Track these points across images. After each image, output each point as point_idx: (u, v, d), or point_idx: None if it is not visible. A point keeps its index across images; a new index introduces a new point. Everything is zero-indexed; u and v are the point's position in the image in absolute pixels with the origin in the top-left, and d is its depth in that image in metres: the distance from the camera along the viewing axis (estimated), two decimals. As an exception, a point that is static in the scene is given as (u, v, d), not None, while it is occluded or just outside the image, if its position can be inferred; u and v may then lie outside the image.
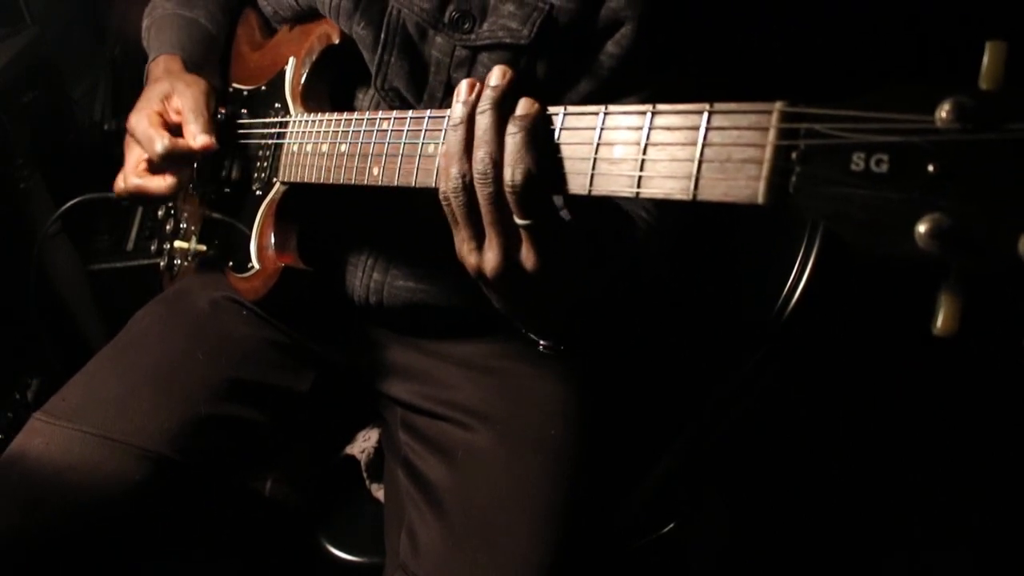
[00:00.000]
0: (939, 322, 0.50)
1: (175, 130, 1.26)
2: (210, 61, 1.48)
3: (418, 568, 1.18)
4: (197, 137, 1.23)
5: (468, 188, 0.84)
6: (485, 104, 0.82)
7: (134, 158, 1.29)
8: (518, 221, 0.82)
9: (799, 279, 1.34)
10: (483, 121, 0.82)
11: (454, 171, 0.84)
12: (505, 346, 1.38)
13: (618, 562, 1.45)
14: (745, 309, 1.46)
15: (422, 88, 1.21)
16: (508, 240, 0.84)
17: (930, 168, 0.50)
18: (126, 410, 1.21)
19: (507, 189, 0.80)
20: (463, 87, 0.85)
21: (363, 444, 1.54)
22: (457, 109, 0.84)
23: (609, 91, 1.16)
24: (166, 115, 1.28)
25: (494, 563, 1.14)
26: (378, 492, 1.50)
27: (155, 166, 1.26)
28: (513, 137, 0.80)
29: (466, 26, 1.15)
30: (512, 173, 0.80)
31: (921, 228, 0.49)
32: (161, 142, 1.21)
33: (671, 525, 1.50)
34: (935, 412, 2.08)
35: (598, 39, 1.13)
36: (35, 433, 1.20)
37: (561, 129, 0.79)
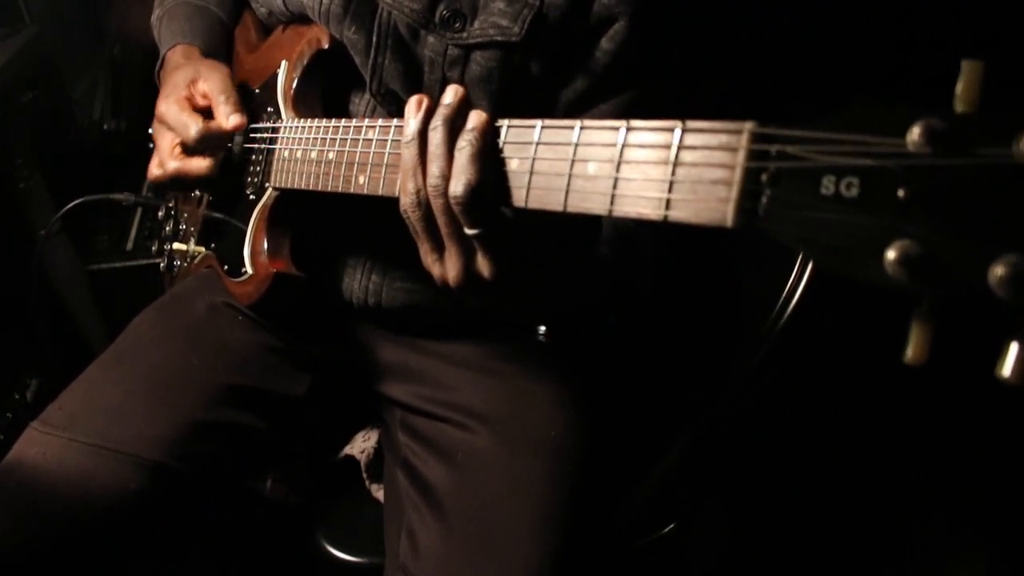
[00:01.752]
0: (910, 351, 0.49)
1: (205, 113, 1.28)
2: (222, 48, 1.49)
3: (418, 570, 1.18)
4: (230, 117, 1.25)
5: (423, 202, 0.88)
6: (437, 121, 0.86)
7: (167, 143, 1.30)
8: (467, 231, 0.85)
9: (799, 279, 1.33)
10: (435, 137, 0.86)
11: (410, 186, 0.88)
12: (505, 347, 1.38)
13: (618, 562, 1.44)
14: (745, 310, 1.45)
15: (418, 88, 1.20)
16: (464, 250, 0.88)
17: (900, 193, 0.48)
18: (122, 418, 1.21)
19: (451, 201, 0.84)
20: (411, 103, 0.89)
21: (363, 445, 1.54)
22: (410, 125, 0.88)
23: (604, 87, 1.15)
24: (193, 100, 1.30)
25: (494, 564, 1.14)
26: (378, 492, 1.51)
27: (190, 149, 1.28)
28: (461, 152, 0.83)
29: (457, 25, 1.14)
30: (455, 186, 0.83)
31: (890, 255, 0.48)
32: (196, 126, 1.24)
33: (671, 525, 1.50)
34: (935, 411, 2.07)
35: (592, 35, 1.12)
36: (31, 443, 1.20)
37: (537, 144, 0.79)
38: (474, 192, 0.82)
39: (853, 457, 2.13)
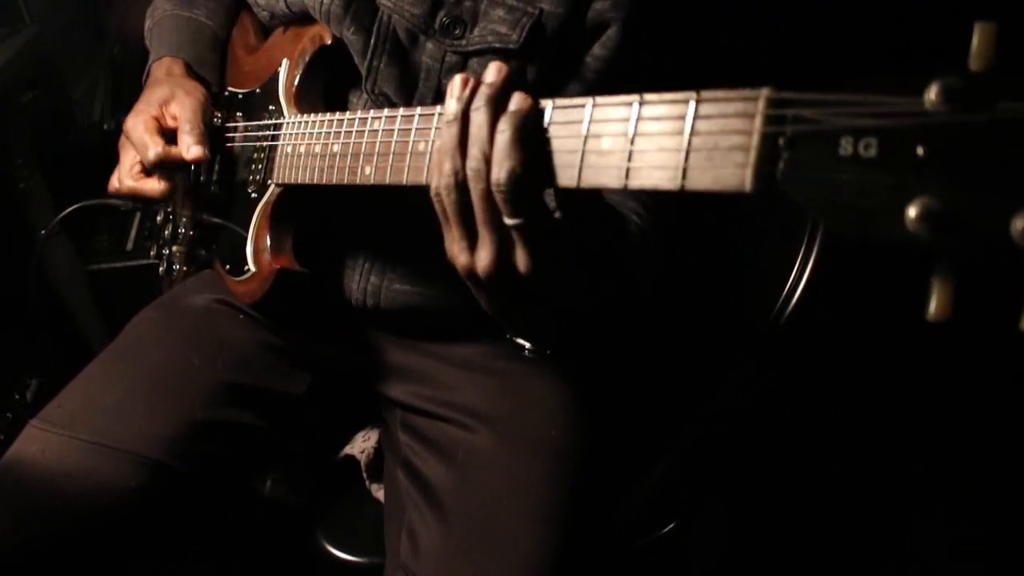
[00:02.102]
0: (932, 307, 0.49)
1: (170, 135, 1.28)
2: (210, 58, 1.48)
3: (419, 569, 1.18)
4: (191, 148, 1.25)
5: (461, 186, 0.83)
6: (480, 101, 0.81)
7: (128, 160, 1.32)
8: (508, 221, 0.80)
9: (799, 280, 1.33)
10: (478, 118, 0.81)
11: (447, 167, 0.83)
12: (505, 347, 1.37)
13: (618, 562, 1.44)
14: (745, 310, 1.45)
15: (412, 94, 1.21)
16: (501, 240, 0.83)
17: (919, 151, 0.48)
18: (121, 417, 1.21)
19: (494, 188, 0.79)
20: (457, 82, 0.84)
21: (363, 444, 1.54)
22: (451, 105, 0.83)
23: (595, 93, 1.15)
24: (163, 120, 1.30)
25: (495, 564, 1.14)
26: (378, 492, 1.50)
27: (148, 170, 1.29)
28: (503, 135, 0.79)
29: (457, 32, 1.14)
30: (498, 172, 0.78)
31: (911, 212, 0.48)
32: (154, 150, 1.25)
33: (671, 525, 1.49)
34: (935, 411, 2.07)
35: (585, 42, 1.13)
36: (31, 440, 1.20)
37: (550, 123, 0.78)
38: (519, 178, 0.78)
39: (853, 455, 2.13)
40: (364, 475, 1.51)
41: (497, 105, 0.81)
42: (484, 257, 0.84)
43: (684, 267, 1.51)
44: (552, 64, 1.14)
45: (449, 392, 1.35)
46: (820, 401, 2.04)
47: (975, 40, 0.48)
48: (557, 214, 0.85)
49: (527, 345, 1.12)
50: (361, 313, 1.35)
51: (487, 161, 0.80)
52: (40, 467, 1.16)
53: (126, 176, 1.31)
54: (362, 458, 1.52)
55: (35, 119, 2.00)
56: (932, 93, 0.48)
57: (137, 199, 1.33)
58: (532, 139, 0.79)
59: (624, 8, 1.10)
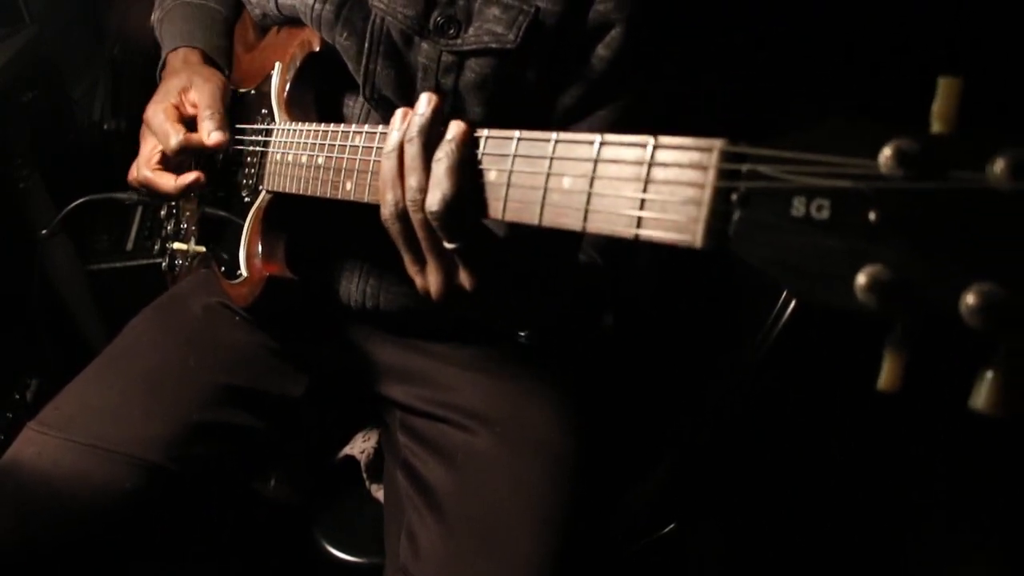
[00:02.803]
0: (882, 379, 0.47)
1: (190, 123, 1.28)
2: (223, 44, 1.48)
3: (418, 571, 1.18)
4: (212, 134, 1.24)
5: (402, 215, 0.86)
6: (412, 131, 0.84)
7: (148, 149, 1.30)
8: (447, 246, 0.84)
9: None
10: (411, 149, 0.84)
11: (389, 198, 0.87)
12: (505, 348, 1.37)
13: (618, 563, 1.44)
14: (744, 310, 1.44)
15: (411, 95, 1.19)
16: (445, 263, 0.87)
17: (871, 216, 0.47)
18: (118, 419, 1.21)
19: (428, 215, 0.82)
20: (397, 116, 0.87)
21: (363, 445, 1.54)
22: (392, 137, 0.86)
23: (601, 94, 1.14)
24: (182, 108, 1.29)
25: (494, 566, 1.14)
26: (378, 492, 1.50)
27: (169, 159, 1.28)
28: (439, 163, 0.81)
29: (451, 32, 1.13)
30: (431, 200, 0.81)
31: (860, 280, 0.47)
32: (176, 137, 1.23)
33: (671, 525, 1.49)
34: (935, 411, 2.05)
35: (588, 42, 1.11)
36: (28, 443, 1.20)
37: (515, 156, 0.78)
38: (450, 206, 0.80)
39: (852, 456, 2.12)
40: (364, 475, 1.51)
41: (430, 135, 0.83)
42: (433, 279, 0.89)
43: (682, 269, 1.50)
44: (553, 65, 1.13)
45: (449, 393, 1.35)
46: (820, 401, 2.03)
47: (938, 97, 0.46)
48: (502, 233, 0.87)
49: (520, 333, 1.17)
50: (360, 315, 1.35)
51: (423, 191, 0.83)
52: (37, 470, 1.17)
53: (144, 166, 1.30)
54: (362, 458, 1.52)
55: (35, 119, 2.00)
56: (886, 155, 0.46)
57: (151, 192, 1.31)
58: (468, 167, 0.81)
59: (628, 8, 1.08)
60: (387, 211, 0.87)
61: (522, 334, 1.15)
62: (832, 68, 1.65)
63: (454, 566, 1.16)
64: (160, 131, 1.25)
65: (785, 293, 1.32)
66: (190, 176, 1.26)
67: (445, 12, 1.13)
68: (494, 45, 1.10)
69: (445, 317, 1.32)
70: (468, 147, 0.82)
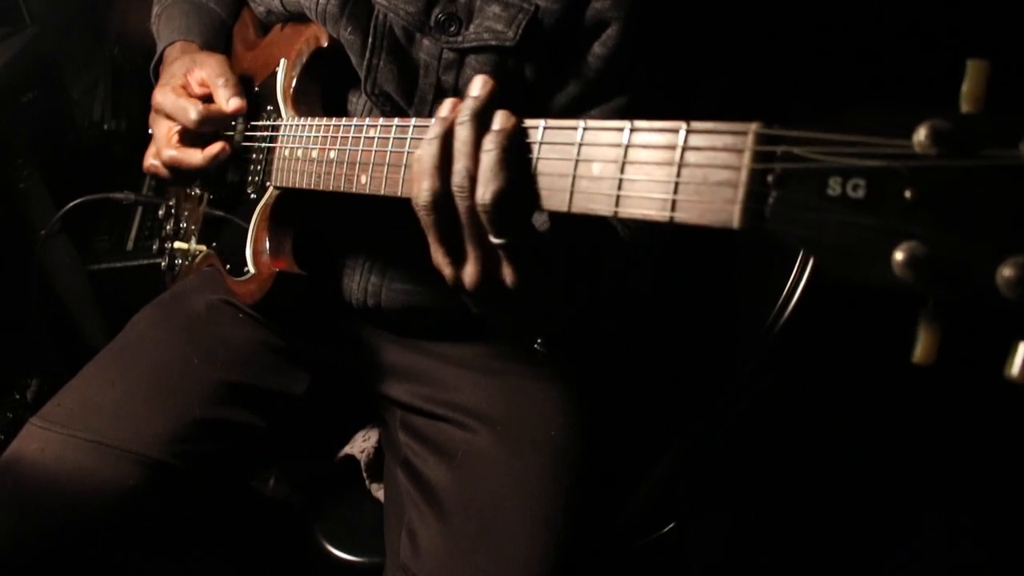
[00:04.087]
0: (917, 352, 0.48)
1: (204, 100, 1.27)
2: (220, 45, 1.48)
3: (419, 569, 1.18)
4: (230, 100, 1.24)
5: (439, 204, 0.83)
6: (465, 115, 0.81)
7: (163, 131, 1.29)
8: (494, 240, 0.81)
9: (799, 278, 1.32)
10: (462, 133, 0.81)
11: (425, 185, 0.83)
12: (505, 347, 1.37)
13: (618, 562, 1.44)
14: (745, 309, 1.45)
15: (412, 91, 1.20)
16: (487, 256, 0.84)
17: (907, 194, 0.48)
18: (120, 415, 1.21)
19: (479, 208, 0.80)
20: (447, 105, 0.85)
21: (363, 444, 1.54)
22: (437, 124, 0.83)
23: (598, 92, 1.16)
24: (190, 87, 1.29)
25: (494, 564, 1.14)
26: (378, 492, 1.50)
27: (189, 136, 1.27)
28: (488, 154, 0.79)
29: (452, 28, 1.14)
30: (483, 192, 0.79)
31: (897, 256, 0.48)
32: (195, 109, 1.23)
33: (671, 525, 1.49)
34: (935, 412, 2.07)
35: (585, 40, 1.13)
36: (31, 438, 1.20)
37: (541, 143, 0.77)
38: (504, 199, 0.78)
39: (852, 457, 2.13)
40: (364, 475, 1.51)
41: (482, 120, 0.81)
42: (471, 272, 0.86)
43: (683, 267, 1.51)
44: (551, 62, 1.14)
45: (449, 392, 1.35)
46: (819, 401, 2.04)
47: (967, 79, 0.47)
48: (545, 227, 0.86)
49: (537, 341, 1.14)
50: (362, 313, 1.36)
51: (472, 179, 0.80)
52: (39, 466, 1.16)
53: (165, 146, 1.28)
54: (362, 458, 1.52)
55: (35, 119, 2.00)
56: (921, 135, 0.47)
57: (177, 171, 1.29)
58: (518, 159, 0.79)
59: (624, 7, 1.09)
60: (423, 198, 0.83)
61: (538, 342, 1.14)
62: (836, 71, 1.66)
63: (454, 564, 1.16)
64: (176, 108, 1.25)
65: (785, 293, 1.33)
66: (216, 146, 1.25)
67: (446, 9, 1.14)
68: (494, 43, 1.11)
69: (447, 317, 1.33)
70: (520, 137, 0.80)
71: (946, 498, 2.12)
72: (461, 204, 0.81)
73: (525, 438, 1.26)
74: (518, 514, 1.18)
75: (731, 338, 1.46)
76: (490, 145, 0.79)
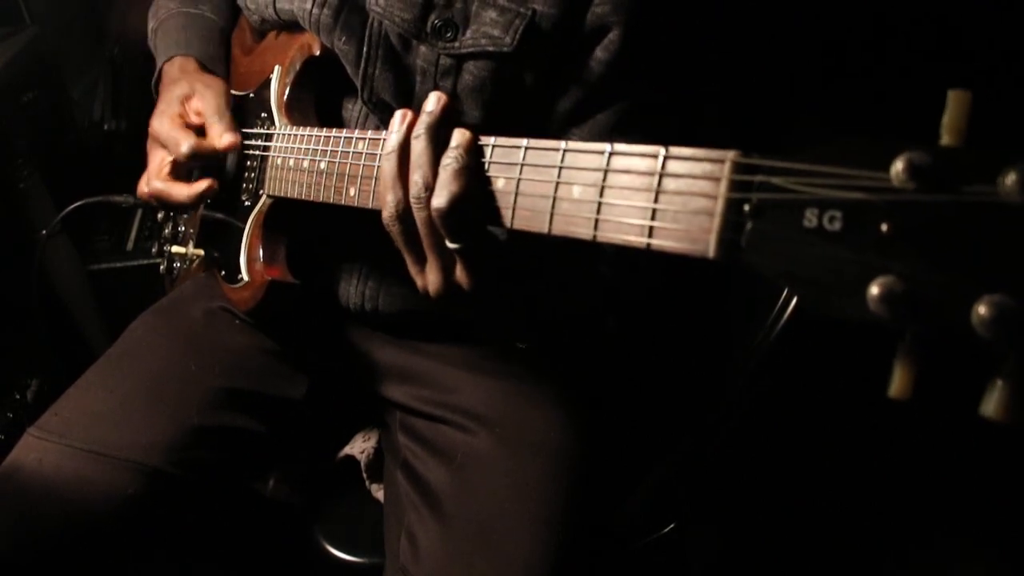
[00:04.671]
0: (892, 387, 0.48)
1: (197, 132, 1.28)
2: (219, 54, 1.48)
3: (418, 571, 1.18)
4: (223, 136, 1.25)
5: (403, 216, 0.88)
6: (420, 129, 0.86)
7: (157, 161, 1.29)
8: (449, 245, 0.85)
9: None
10: (418, 146, 0.85)
11: (390, 199, 0.88)
12: (504, 349, 1.37)
13: (618, 562, 1.44)
14: (744, 312, 1.44)
15: (410, 98, 1.19)
16: (445, 263, 0.88)
17: (883, 228, 0.47)
18: (118, 424, 1.21)
19: (434, 214, 0.83)
20: (396, 117, 0.89)
21: (363, 445, 1.54)
22: (391, 138, 0.88)
23: (600, 97, 1.14)
24: (187, 117, 1.29)
25: (494, 566, 1.14)
26: (378, 492, 1.51)
27: (180, 168, 1.28)
28: (445, 168, 0.83)
29: (448, 35, 1.12)
30: (438, 199, 0.82)
31: (873, 291, 0.47)
32: (187, 143, 1.23)
33: (671, 525, 1.49)
34: (934, 413, 2.06)
35: (586, 45, 1.11)
36: (28, 449, 1.20)
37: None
38: (458, 206, 0.82)
39: (851, 457, 2.13)
40: (364, 475, 1.51)
41: (437, 133, 0.85)
42: (432, 279, 0.90)
43: (682, 270, 1.50)
44: (551, 68, 1.12)
45: (448, 394, 1.35)
46: (819, 403, 2.03)
47: (948, 110, 0.47)
48: (505, 236, 0.87)
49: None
50: (360, 317, 1.35)
51: (428, 188, 0.84)
52: (38, 476, 1.16)
53: (155, 177, 1.28)
54: (362, 458, 1.52)
55: (35, 119, 2.00)
56: (898, 168, 0.47)
57: (163, 203, 1.30)
58: (474, 172, 0.83)
59: (625, 11, 1.08)
60: (388, 212, 0.89)
61: (521, 346, 1.16)
62: (836, 74, 1.65)
63: (454, 566, 1.16)
64: (169, 139, 1.25)
65: (784, 296, 1.32)
66: (203, 184, 1.25)
67: (442, 15, 1.13)
68: (491, 48, 1.10)
69: (444, 318, 1.33)
70: (474, 154, 0.83)
71: (947, 501, 2.11)
72: (418, 214, 0.86)
73: (524, 440, 1.26)
74: (518, 516, 1.18)
75: (731, 339, 1.45)
76: (448, 160, 0.83)
